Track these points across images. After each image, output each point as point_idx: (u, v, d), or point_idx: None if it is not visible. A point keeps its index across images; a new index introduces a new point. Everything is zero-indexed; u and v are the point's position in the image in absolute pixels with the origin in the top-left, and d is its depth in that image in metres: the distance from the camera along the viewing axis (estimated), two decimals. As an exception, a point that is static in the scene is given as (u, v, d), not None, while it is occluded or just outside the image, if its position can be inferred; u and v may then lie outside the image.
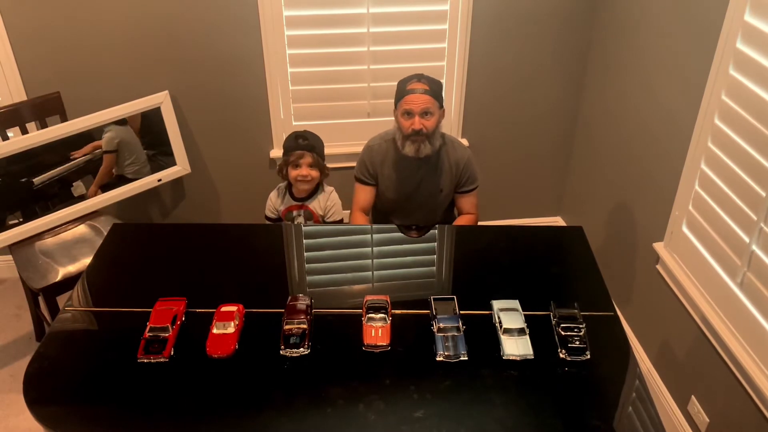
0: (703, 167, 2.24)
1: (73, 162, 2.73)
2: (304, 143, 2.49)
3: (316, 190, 2.62)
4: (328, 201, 2.63)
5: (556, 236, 2.51)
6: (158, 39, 2.83)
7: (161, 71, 2.90)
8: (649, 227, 2.66)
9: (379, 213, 2.77)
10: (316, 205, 2.61)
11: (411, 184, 2.59)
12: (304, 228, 2.45)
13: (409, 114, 2.41)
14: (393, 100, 2.51)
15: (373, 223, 2.79)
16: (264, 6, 2.80)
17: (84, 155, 2.74)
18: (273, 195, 2.66)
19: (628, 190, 2.84)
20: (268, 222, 2.70)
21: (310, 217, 2.62)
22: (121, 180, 2.87)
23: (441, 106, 2.45)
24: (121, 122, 2.78)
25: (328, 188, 2.66)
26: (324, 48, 2.95)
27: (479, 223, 2.74)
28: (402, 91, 2.42)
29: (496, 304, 1.92)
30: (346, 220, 2.79)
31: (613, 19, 2.89)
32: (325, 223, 2.67)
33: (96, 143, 2.74)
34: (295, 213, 2.62)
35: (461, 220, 2.68)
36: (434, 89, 2.42)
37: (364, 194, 2.66)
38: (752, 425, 2.05)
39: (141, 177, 2.91)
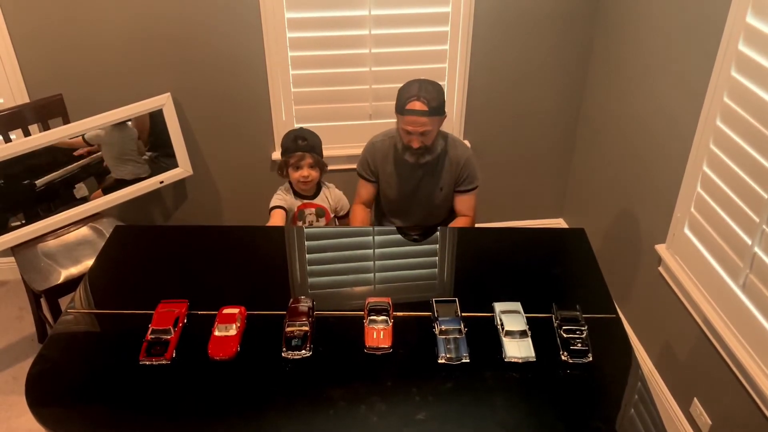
0: (705, 169, 2.23)
1: (75, 164, 2.74)
2: (304, 144, 2.49)
3: (319, 187, 2.63)
4: (335, 198, 2.68)
5: (558, 238, 2.51)
6: (160, 41, 2.84)
7: (163, 73, 2.90)
8: (651, 229, 2.66)
9: (380, 212, 2.78)
10: (324, 201, 2.64)
11: (411, 182, 2.60)
12: (306, 230, 2.46)
13: (408, 132, 2.40)
14: (394, 103, 2.51)
15: (375, 222, 2.80)
16: (266, 8, 2.81)
17: (82, 153, 2.74)
18: (282, 193, 2.64)
19: (630, 192, 2.84)
20: (274, 212, 2.59)
21: (323, 213, 2.63)
22: (124, 182, 2.88)
23: (442, 114, 2.41)
24: (119, 124, 2.76)
25: (330, 185, 2.70)
26: (325, 50, 2.95)
27: (481, 225, 2.74)
28: (402, 107, 2.37)
29: (498, 306, 1.92)
30: None
31: (615, 20, 2.89)
32: (337, 218, 2.70)
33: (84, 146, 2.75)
34: (307, 211, 2.62)
35: (456, 223, 2.66)
36: (434, 106, 2.34)
37: (366, 190, 2.69)
38: (754, 427, 2.05)
39: (138, 178, 2.90)
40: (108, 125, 2.73)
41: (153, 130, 2.89)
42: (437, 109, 2.37)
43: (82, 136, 2.71)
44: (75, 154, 2.73)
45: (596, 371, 1.76)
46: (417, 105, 2.33)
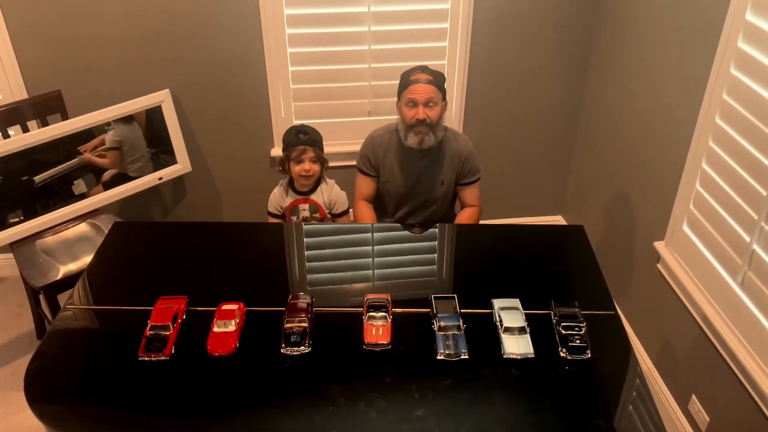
0: (704, 166, 2.23)
1: (74, 160, 2.73)
2: (306, 138, 2.50)
3: (318, 183, 2.63)
4: (331, 195, 2.65)
5: (556, 235, 2.51)
6: (159, 37, 2.83)
7: (162, 69, 2.90)
8: (650, 226, 2.66)
9: (379, 206, 2.78)
10: (318, 197, 2.62)
11: (412, 175, 2.60)
12: (305, 227, 2.46)
13: (413, 104, 2.42)
14: (394, 100, 2.53)
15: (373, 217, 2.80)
16: (265, 4, 2.80)
17: (93, 148, 2.74)
18: (277, 191, 2.65)
19: (629, 189, 2.84)
20: (271, 217, 2.69)
21: (316, 210, 2.62)
22: (123, 178, 2.87)
23: (444, 98, 2.47)
24: (128, 120, 2.77)
25: (330, 181, 2.67)
26: (325, 47, 2.95)
27: (480, 222, 2.74)
28: (406, 82, 2.44)
29: (497, 303, 1.92)
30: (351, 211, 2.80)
31: (615, 17, 2.88)
32: (332, 215, 2.68)
33: (100, 138, 2.75)
34: (300, 207, 2.62)
35: (464, 213, 2.69)
36: (438, 80, 2.43)
37: (366, 185, 2.68)
38: (753, 424, 2.05)
39: (143, 175, 2.91)
40: (119, 123, 2.74)
41: (150, 127, 2.88)
42: (440, 84, 2.44)
43: (109, 147, 2.76)
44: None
45: (595, 368, 1.76)
46: (422, 76, 2.42)
